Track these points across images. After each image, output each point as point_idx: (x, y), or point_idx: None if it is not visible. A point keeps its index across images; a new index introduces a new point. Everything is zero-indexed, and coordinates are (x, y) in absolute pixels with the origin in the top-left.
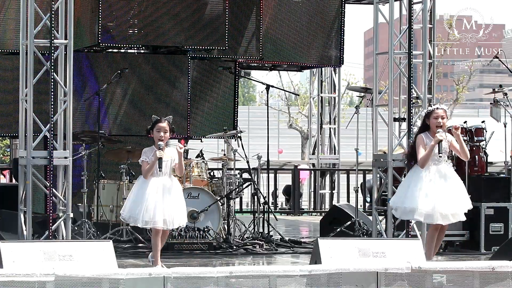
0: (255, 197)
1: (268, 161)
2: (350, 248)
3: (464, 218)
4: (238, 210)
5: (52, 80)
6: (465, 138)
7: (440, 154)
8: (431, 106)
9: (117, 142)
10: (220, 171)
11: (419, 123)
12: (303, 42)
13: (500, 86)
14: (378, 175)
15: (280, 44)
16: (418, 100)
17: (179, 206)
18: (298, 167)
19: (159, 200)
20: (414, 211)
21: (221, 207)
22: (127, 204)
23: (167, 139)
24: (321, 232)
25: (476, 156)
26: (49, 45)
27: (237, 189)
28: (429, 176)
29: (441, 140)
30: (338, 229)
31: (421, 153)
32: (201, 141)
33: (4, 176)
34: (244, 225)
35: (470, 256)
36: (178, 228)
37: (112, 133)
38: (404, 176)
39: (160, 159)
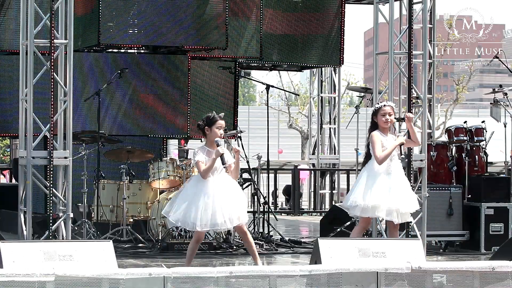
0: (255, 197)
1: (268, 161)
2: (350, 248)
3: (410, 219)
4: None
5: (52, 80)
6: (465, 138)
7: (403, 156)
8: (378, 104)
9: (117, 142)
10: None
11: (419, 123)
12: (303, 42)
13: (500, 86)
14: None
15: (280, 44)
16: (418, 100)
17: (239, 203)
18: (298, 167)
19: (217, 201)
20: (377, 208)
21: None
22: (176, 207)
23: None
24: (321, 232)
25: (476, 156)
26: (49, 45)
27: None
28: (386, 173)
29: (403, 143)
30: (338, 229)
31: (379, 149)
32: (201, 141)
33: (4, 176)
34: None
35: (470, 256)
36: (178, 228)
37: (112, 133)
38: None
39: (222, 155)
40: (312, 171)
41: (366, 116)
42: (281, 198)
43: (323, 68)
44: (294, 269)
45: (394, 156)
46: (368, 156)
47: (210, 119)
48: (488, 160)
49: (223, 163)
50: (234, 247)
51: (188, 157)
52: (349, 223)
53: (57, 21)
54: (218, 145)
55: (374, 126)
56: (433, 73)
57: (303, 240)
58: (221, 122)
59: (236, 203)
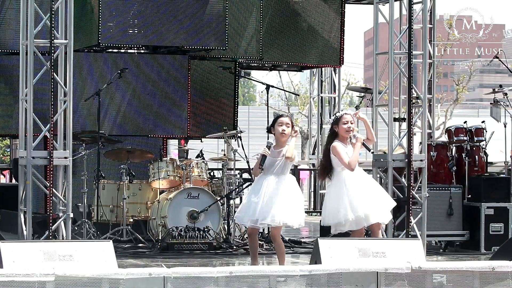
0: None
1: None
2: (350, 248)
3: (384, 220)
4: None
5: (52, 80)
6: (465, 138)
7: (372, 150)
8: (339, 112)
9: (117, 142)
10: (220, 171)
11: (419, 123)
12: (303, 42)
13: (500, 86)
14: (378, 175)
15: (280, 44)
16: (418, 100)
17: (279, 203)
18: (298, 167)
19: (255, 199)
20: (347, 222)
21: (221, 207)
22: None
23: (289, 135)
24: (321, 232)
25: (476, 156)
26: (49, 45)
27: (237, 189)
28: (350, 183)
29: (364, 141)
30: None
31: (346, 157)
32: (201, 141)
33: (4, 176)
34: (244, 225)
35: (470, 256)
36: (178, 228)
37: (112, 133)
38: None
39: (264, 156)
40: (312, 171)
41: (366, 116)
42: None
43: (323, 68)
44: (294, 269)
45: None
46: (327, 168)
47: (273, 119)
48: (488, 160)
49: (261, 164)
50: (234, 247)
51: (188, 157)
52: None
53: (57, 21)
54: (267, 146)
55: (333, 135)
56: (433, 73)
57: (303, 240)
58: (283, 119)
59: (275, 203)
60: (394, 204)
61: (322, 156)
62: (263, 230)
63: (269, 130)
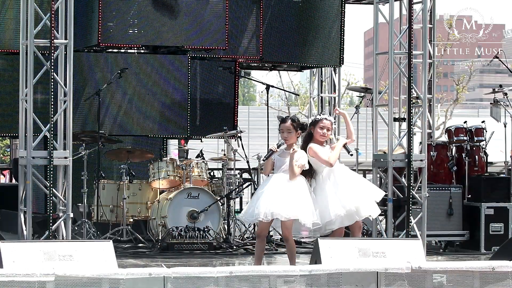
0: None
1: None
2: (350, 248)
3: (366, 215)
4: (238, 210)
5: (52, 80)
6: (465, 138)
7: (351, 153)
8: (320, 115)
9: (117, 142)
10: (220, 171)
11: (419, 123)
12: (303, 42)
13: (500, 86)
14: (378, 175)
15: (280, 44)
16: (418, 100)
17: (289, 200)
18: None
19: (265, 193)
20: (338, 218)
21: (221, 207)
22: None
23: (295, 140)
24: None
25: (476, 156)
26: (49, 45)
27: (237, 189)
28: (334, 180)
29: (346, 143)
30: None
31: (324, 154)
32: (201, 141)
33: (4, 176)
34: (244, 225)
35: (470, 256)
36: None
37: (112, 133)
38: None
39: (271, 151)
40: None
41: (366, 116)
42: None
43: (323, 68)
44: (294, 269)
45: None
46: (309, 170)
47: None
48: (488, 160)
49: (266, 157)
50: (234, 247)
51: (188, 157)
52: None
53: (57, 21)
54: (278, 146)
55: (309, 136)
56: (433, 73)
57: (303, 240)
58: (284, 125)
59: (285, 200)
60: (383, 194)
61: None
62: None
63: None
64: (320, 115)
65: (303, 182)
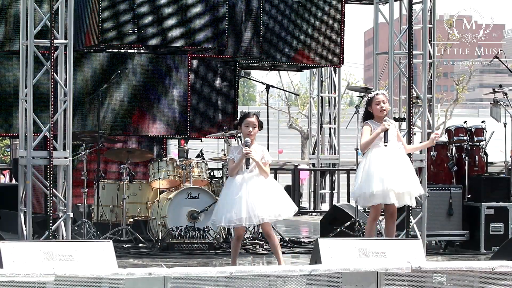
0: None
1: None
2: (350, 248)
3: (413, 203)
4: None
5: (52, 80)
6: (465, 138)
7: (386, 144)
8: (372, 93)
9: (117, 142)
10: (220, 171)
11: (419, 123)
12: (303, 42)
13: (500, 86)
14: None
15: (280, 44)
16: (418, 100)
17: (269, 200)
18: (298, 167)
19: (244, 197)
20: (373, 195)
21: None
22: (215, 208)
23: (255, 135)
24: (321, 232)
25: (476, 156)
26: (49, 45)
27: None
28: (378, 158)
29: (387, 129)
30: (338, 229)
31: (364, 138)
32: (201, 141)
33: (4, 176)
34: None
35: (470, 256)
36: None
37: (112, 133)
38: None
39: (247, 159)
40: (312, 171)
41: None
42: None
43: (323, 68)
44: (294, 269)
45: (385, 147)
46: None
47: (240, 118)
48: (488, 160)
49: (247, 165)
50: None
51: (188, 157)
52: (349, 223)
53: (57, 21)
54: (246, 145)
55: (368, 115)
56: (433, 73)
57: (303, 240)
58: (250, 120)
59: (263, 201)
60: (419, 191)
61: None
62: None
63: (236, 127)
64: (371, 92)
65: (272, 177)
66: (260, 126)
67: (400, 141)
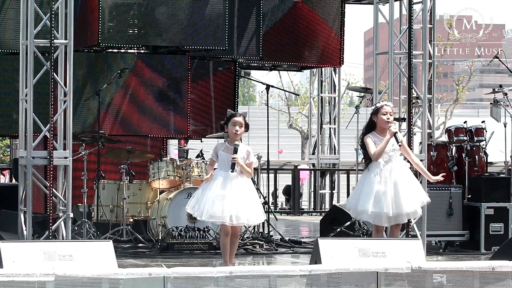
0: None
1: (268, 161)
2: (350, 248)
3: (416, 216)
4: None
5: (52, 80)
6: (465, 138)
7: (399, 144)
8: (380, 103)
9: (117, 142)
10: None
11: (419, 123)
12: (303, 42)
13: (500, 86)
14: None
15: (280, 44)
16: (418, 100)
17: (250, 203)
18: (298, 167)
19: (227, 196)
20: (364, 212)
21: None
22: (191, 200)
23: (242, 134)
24: (321, 232)
25: (476, 156)
26: (49, 45)
27: None
28: (380, 178)
29: (395, 133)
30: (338, 229)
31: (372, 147)
32: (201, 141)
33: (4, 176)
34: (244, 225)
35: (470, 256)
36: (178, 228)
37: (112, 133)
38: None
39: (233, 164)
40: (312, 171)
41: (366, 116)
42: (281, 198)
43: (323, 68)
44: (294, 269)
45: (392, 157)
46: (365, 158)
47: (226, 117)
48: (488, 160)
49: (232, 168)
50: None
51: (188, 157)
52: (349, 223)
53: (57, 21)
54: (235, 149)
55: (371, 125)
56: (433, 73)
57: (303, 240)
58: (236, 119)
59: (244, 204)
60: (424, 199)
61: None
62: (263, 230)
63: (223, 127)
64: (379, 102)
65: (250, 181)
66: (247, 127)
67: (405, 149)
